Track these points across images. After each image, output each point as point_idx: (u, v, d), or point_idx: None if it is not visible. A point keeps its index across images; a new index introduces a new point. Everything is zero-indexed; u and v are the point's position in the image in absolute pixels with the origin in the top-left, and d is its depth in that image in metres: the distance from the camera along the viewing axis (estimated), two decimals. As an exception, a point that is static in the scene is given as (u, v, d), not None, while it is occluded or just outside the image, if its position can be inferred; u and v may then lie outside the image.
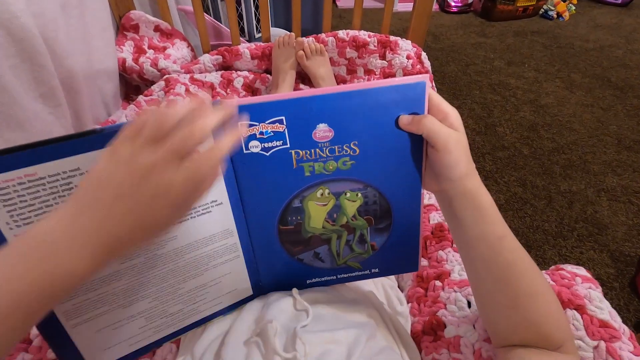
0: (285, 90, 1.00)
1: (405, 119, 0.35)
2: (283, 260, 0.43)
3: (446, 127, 0.33)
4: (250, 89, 1.08)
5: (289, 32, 1.06)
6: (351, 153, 0.37)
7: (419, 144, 0.37)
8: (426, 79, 0.34)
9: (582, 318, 0.41)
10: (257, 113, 0.33)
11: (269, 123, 0.35)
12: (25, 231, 0.24)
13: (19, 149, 0.28)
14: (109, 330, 0.38)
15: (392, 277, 0.59)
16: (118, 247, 0.25)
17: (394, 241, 0.43)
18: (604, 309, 0.41)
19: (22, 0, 0.60)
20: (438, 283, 0.52)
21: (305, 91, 0.35)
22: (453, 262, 0.56)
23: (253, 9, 1.45)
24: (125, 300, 0.37)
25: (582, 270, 0.47)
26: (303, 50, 1.01)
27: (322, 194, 0.39)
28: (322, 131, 0.36)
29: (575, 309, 0.42)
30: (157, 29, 1.10)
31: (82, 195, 0.25)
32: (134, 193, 0.24)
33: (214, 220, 0.39)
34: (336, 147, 0.37)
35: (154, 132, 0.25)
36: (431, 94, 0.35)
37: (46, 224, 0.24)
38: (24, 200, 0.30)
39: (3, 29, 0.57)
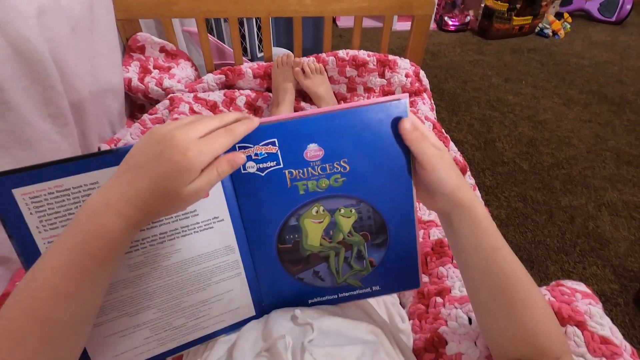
0: (287, 108, 1.02)
1: (407, 124, 0.36)
2: (284, 280, 0.44)
3: (432, 147, 0.35)
4: (253, 107, 1.10)
5: (289, 52, 1.09)
6: (342, 170, 0.39)
7: (406, 158, 0.38)
8: (406, 97, 0.37)
9: (582, 334, 0.41)
10: (251, 136, 0.35)
11: (263, 145, 0.37)
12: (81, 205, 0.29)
13: (50, 164, 0.33)
14: (116, 338, 0.39)
15: (394, 293, 0.59)
16: (146, 208, 0.29)
17: (392, 257, 0.43)
18: (604, 325, 0.42)
19: (35, 25, 0.62)
20: (439, 299, 0.53)
21: (295, 114, 0.37)
22: (454, 278, 0.56)
23: (255, 29, 1.50)
24: (131, 308, 0.39)
25: (582, 286, 0.47)
26: (302, 69, 1.04)
27: (317, 212, 0.40)
28: (313, 150, 0.38)
29: (575, 325, 0.42)
30: (162, 49, 1.13)
31: (118, 170, 0.30)
32: (152, 156, 0.28)
33: (215, 236, 0.40)
34: (327, 165, 0.38)
35: (188, 120, 0.30)
36: (411, 116, 0.37)
37: (92, 197, 0.29)
38: (51, 208, 0.34)
39: (16, 53, 0.59)
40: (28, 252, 0.35)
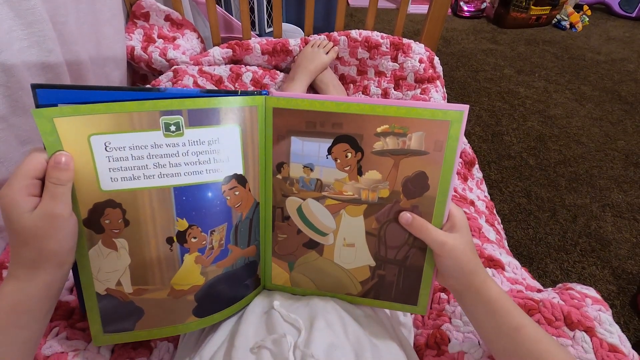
0: (299, 86, 0.98)
1: (406, 219, 0.37)
2: None
3: (437, 233, 0.36)
4: (259, 85, 1.06)
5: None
6: None
7: None
8: (466, 109, 0.35)
9: (591, 341, 0.40)
10: None
11: None
12: None
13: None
14: None
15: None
16: (15, 258, 0.31)
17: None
18: (613, 333, 0.41)
19: (33, -17, 0.58)
20: (443, 296, 0.52)
21: (325, 96, 0.34)
22: (459, 274, 0.55)
23: (265, 3, 1.43)
24: None
25: (591, 291, 0.46)
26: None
27: None
28: None
29: (584, 331, 0.41)
30: (167, 18, 1.08)
31: None
32: None
33: None
34: None
35: None
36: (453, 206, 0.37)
37: None
38: None
39: (13, 11, 0.56)
40: None
